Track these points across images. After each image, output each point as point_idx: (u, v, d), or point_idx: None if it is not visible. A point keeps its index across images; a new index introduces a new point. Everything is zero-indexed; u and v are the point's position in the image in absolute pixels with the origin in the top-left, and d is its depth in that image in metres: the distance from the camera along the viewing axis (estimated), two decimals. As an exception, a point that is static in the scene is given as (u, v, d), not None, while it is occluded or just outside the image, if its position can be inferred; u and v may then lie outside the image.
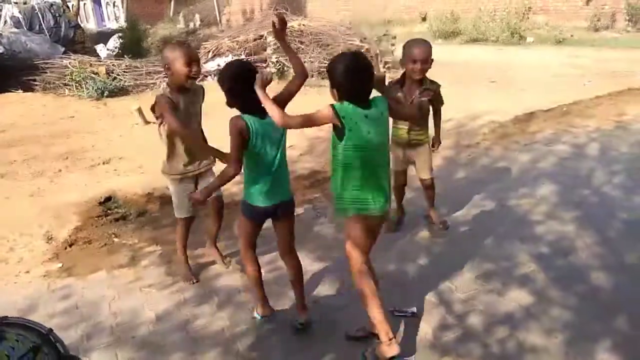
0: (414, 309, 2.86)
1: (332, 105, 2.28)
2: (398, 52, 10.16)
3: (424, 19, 17.09)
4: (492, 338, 2.63)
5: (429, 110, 3.56)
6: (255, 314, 2.92)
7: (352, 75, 2.25)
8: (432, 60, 3.37)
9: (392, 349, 2.37)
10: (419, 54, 3.30)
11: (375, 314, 2.41)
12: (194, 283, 3.32)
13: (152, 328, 2.91)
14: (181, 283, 3.32)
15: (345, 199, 2.42)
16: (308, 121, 2.33)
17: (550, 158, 5.04)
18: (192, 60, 3.02)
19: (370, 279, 2.47)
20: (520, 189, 4.38)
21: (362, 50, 9.75)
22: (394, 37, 11.35)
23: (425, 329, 2.73)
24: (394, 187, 3.65)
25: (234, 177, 2.55)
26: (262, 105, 2.36)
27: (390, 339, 2.37)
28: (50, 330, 1.42)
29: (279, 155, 2.57)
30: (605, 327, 2.64)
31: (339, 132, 2.31)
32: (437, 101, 3.55)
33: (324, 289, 3.16)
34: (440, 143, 3.78)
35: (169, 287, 3.30)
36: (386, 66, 9.70)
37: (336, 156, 2.38)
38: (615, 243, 3.43)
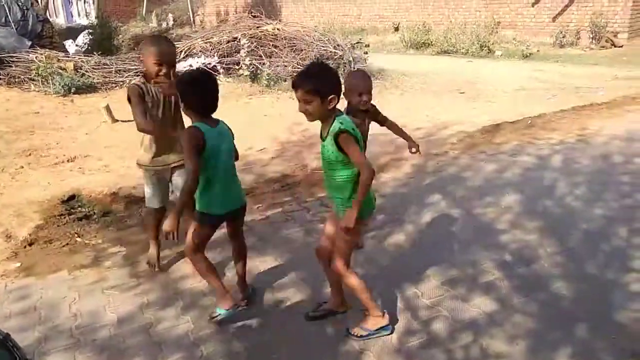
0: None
1: (347, 131, 2.39)
2: (371, 60, 10.29)
3: (396, 29, 17.29)
4: (456, 344, 2.66)
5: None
6: (218, 311, 2.79)
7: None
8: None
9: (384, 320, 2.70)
10: (364, 88, 3.15)
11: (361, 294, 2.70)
12: (155, 270, 3.38)
13: (113, 331, 2.84)
14: (144, 285, 3.26)
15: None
16: (362, 157, 2.45)
17: (514, 168, 5.16)
18: (164, 61, 3.00)
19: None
20: (486, 197, 4.47)
21: (336, 57, 9.80)
22: (367, 46, 11.45)
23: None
24: None
25: (194, 188, 2.60)
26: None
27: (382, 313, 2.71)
28: (7, 335, 1.38)
29: (229, 163, 2.75)
30: (565, 334, 2.71)
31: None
32: (382, 117, 3.43)
33: (292, 294, 3.14)
34: (418, 145, 3.46)
35: (133, 289, 3.23)
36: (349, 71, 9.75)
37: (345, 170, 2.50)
38: (577, 253, 3.53)
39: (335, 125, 2.40)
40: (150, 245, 3.47)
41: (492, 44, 13.82)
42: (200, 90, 2.61)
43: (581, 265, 3.37)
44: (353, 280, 2.68)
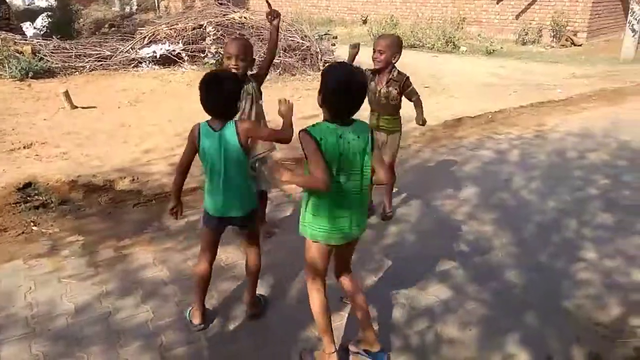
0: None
1: (308, 133, 2.14)
2: (338, 52, 10.31)
3: (364, 22, 17.37)
4: (412, 329, 2.74)
5: (398, 102, 3.73)
6: (187, 317, 2.78)
7: (345, 93, 2.12)
8: (397, 54, 3.64)
9: None
10: (376, 44, 3.64)
11: (320, 322, 2.41)
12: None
13: (70, 320, 2.80)
14: (103, 275, 3.21)
15: (308, 222, 2.31)
16: (323, 166, 2.13)
17: (474, 162, 5.31)
18: (231, 54, 3.08)
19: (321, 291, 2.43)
20: (445, 190, 4.58)
21: (303, 48, 9.79)
22: (335, 37, 11.47)
23: (349, 322, 2.80)
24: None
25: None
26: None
27: (332, 352, 2.39)
28: None
29: (228, 170, 2.51)
30: (516, 321, 2.83)
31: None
32: (408, 93, 3.73)
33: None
34: (425, 121, 3.88)
35: (90, 278, 3.18)
36: (326, 65, 9.78)
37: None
38: (529, 244, 3.67)
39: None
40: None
41: (458, 39, 14.04)
42: (205, 93, 2.49)
43: (533, 255, 3.52)
44: (316, 306, 2.41)
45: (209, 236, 2.70)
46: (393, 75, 3.67)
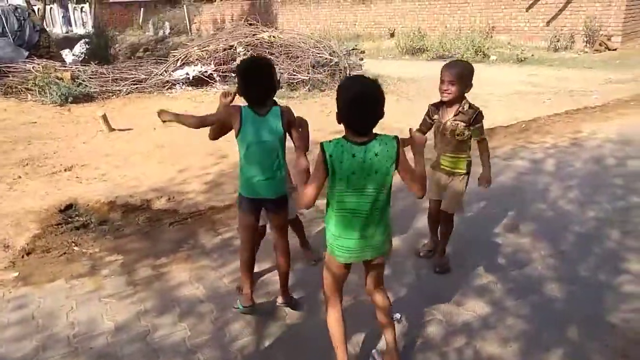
0: (399, 315, 2.91)
1: (322, 146, 2.15)
2: (367, 66, 10.35)
3: (392, 35, 17.40)
4: (450, 347, 2.69)
5: (467, 139, 3.22)
6: (238, 304, 2.93)
7: (356, 105, 2.10)
8: (470, 85, 3.15)
9: None
10: (444, 74, 3.11)
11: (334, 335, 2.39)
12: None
13: (110, 339, 2.86)
14: (141, 293, 3.28)
15: (327, 233, 2.31)
16: (317, 185, 2.15)
17: (508, 172, 5.20)
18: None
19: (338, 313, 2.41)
20: (480, 201, 4.51)
21: (332, 64, 9.87)
22: (363, 52, 11.54)
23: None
24: (428, 215, 3.63)
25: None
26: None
27: None
28: None
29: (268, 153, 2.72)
30: (557, 336, 2.74)
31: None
32: (475, 130, 3.17)
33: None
34: (489, 182, 3.30)
35: (129, 297, 3.25)
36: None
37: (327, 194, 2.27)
38: (569, 255, 3.57)
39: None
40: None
41: (487, 48, 13.87)
42: (248, 81, 2.72)
43: (574, 267, 3.41)
44: (329, 319, 2.41)
45: (246, 219, 2.85)
46: (464, 108, 3.15)
